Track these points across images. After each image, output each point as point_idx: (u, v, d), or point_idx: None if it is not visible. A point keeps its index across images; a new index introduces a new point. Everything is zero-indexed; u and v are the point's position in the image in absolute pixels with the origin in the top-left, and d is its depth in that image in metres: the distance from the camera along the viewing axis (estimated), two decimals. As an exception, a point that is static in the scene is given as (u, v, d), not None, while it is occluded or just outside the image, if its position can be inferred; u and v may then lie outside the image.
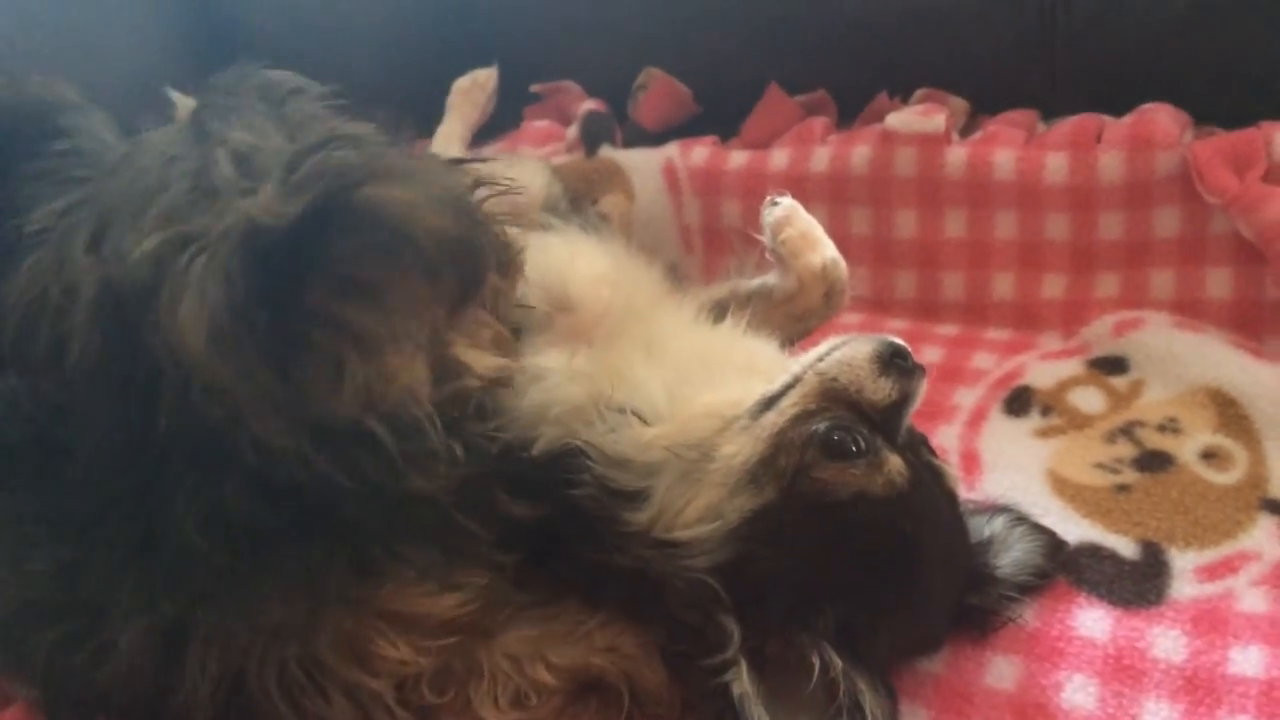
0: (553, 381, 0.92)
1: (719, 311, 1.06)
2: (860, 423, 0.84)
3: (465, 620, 0.79)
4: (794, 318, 1.08)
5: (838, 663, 0.77)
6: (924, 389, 0.89)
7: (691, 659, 0.79)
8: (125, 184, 0.65)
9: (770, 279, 1.10)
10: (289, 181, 0.60)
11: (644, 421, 0.88)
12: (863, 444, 0.82)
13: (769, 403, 0.87)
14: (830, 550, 0.81)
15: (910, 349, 0.89)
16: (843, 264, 1.07)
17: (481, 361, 0.74)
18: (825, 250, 1.06)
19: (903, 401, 0.87)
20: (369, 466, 0.68)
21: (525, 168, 1.25)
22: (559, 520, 0.85)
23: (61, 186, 0.68)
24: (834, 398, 0.86)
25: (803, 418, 0.84)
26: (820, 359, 0.89)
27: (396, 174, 0.63)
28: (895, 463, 0.83)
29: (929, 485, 0.85)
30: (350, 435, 0.67)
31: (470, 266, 0.67)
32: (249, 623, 0.72)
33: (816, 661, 0.76)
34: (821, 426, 0.83)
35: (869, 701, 0.77)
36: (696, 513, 0.82)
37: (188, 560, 0.70)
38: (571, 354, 0.95)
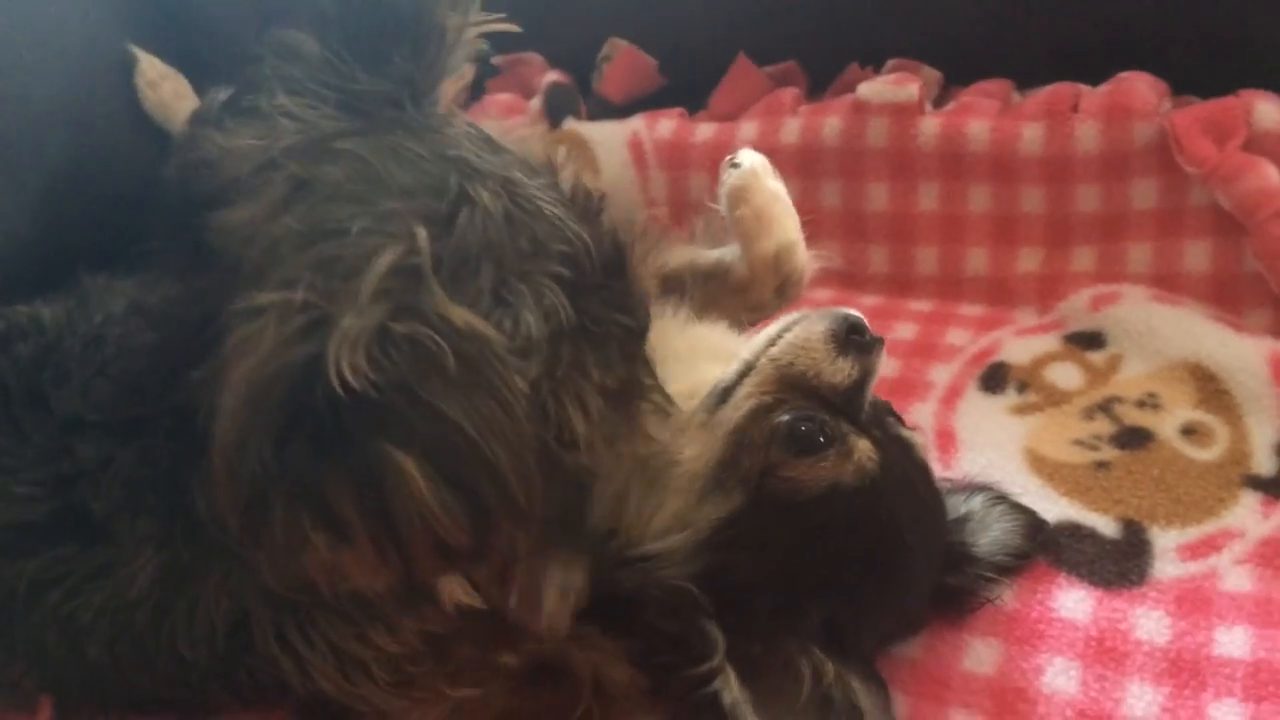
0: None
1: (674, 287, 0.99)
2: (822, 409, 0.80)
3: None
4: (747, 308, 1.01)
5: (830, 668, 0.74)
6: (883, 360, 0.86)
7: (675, 670, 0.75)
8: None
9: (728, 254, 1.02)
10: (386, 338, 0.55)
11: None
12: (829, 433, 0.78)
13: (724, 394, 0.83)
14: (809, 548, 0.78)
15: (865, 319, 0.85)
16: (800, 251, 0.99)
17: (454, 594, 0.72)
18: (780, 233, 0.97)
19: (863, 379, 0.83)
20: None
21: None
22: None
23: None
24: (791, 385, 0.82)
25: (760, 412, 0.80)
26: (772, 342, 0.85)
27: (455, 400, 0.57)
28: (864, 447, 0.79)
29: (899, 462, 0.82)
30: None
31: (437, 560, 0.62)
32: (256, 578, 0.73)
33: (807, 670, 0.73)
34: (783, 421, 0.79)
35: (863, 700, 0.74)
36: (664, 523, 0.79)
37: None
38: None
